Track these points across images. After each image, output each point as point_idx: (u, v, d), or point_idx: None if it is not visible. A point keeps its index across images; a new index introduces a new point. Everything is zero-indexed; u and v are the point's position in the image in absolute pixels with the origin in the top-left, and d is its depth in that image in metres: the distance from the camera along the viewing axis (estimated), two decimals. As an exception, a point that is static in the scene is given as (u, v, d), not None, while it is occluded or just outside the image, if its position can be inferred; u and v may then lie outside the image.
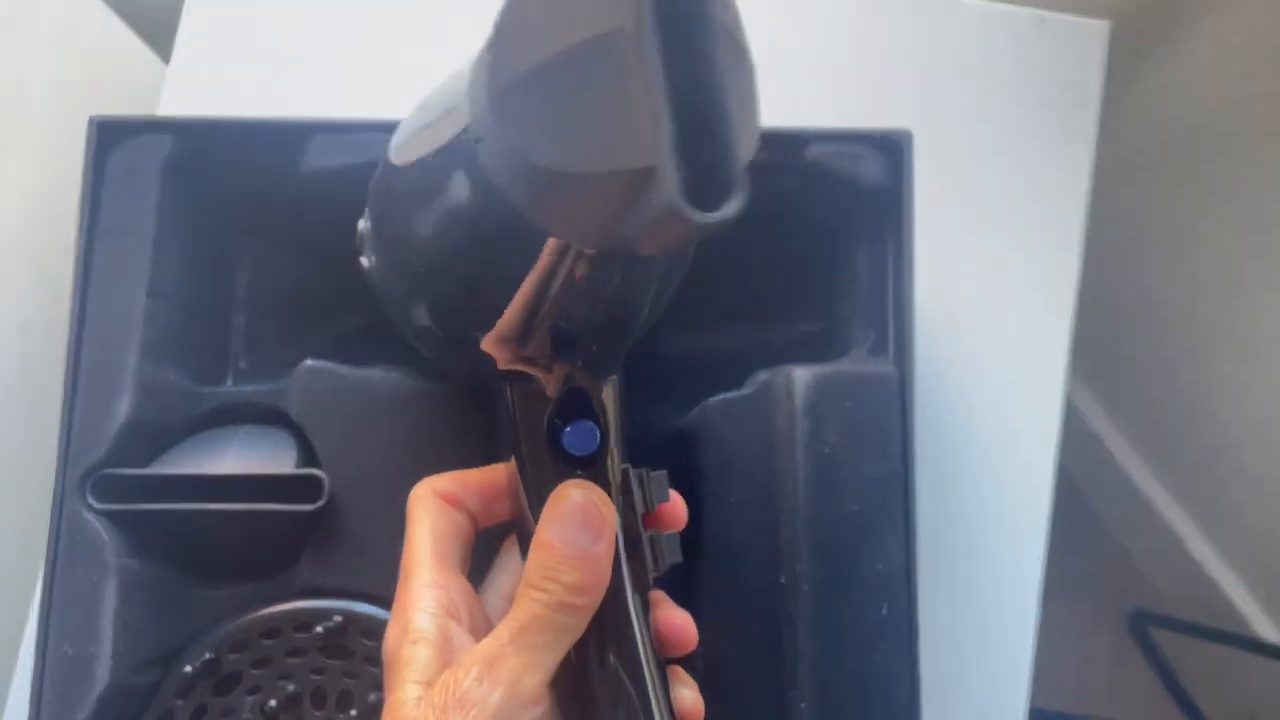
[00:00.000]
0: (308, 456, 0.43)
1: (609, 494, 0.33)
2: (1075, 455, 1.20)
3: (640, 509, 0.34)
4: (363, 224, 0.35)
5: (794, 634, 0.39)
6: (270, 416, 0.43)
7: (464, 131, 0.26)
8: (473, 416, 0.43)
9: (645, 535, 0.34)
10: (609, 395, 0.34)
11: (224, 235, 0.48)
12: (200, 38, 0.55)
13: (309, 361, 0.43)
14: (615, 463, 0.34)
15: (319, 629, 0.41)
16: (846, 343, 0.45)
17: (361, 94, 0.53)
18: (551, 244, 0.27)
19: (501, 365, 0.32)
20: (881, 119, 0.46)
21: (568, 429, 0.33)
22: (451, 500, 0.34)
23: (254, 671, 0.42)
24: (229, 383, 0.48)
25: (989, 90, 0.54)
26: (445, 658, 0.30)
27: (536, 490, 0.33)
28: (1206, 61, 0.68)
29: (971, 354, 0.51)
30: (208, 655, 0.42)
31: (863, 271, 0.45)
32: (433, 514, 0.34)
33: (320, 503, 0.41)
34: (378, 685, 0.42)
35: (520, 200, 0.24)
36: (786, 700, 0.39)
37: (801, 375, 0.40)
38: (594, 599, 0.30)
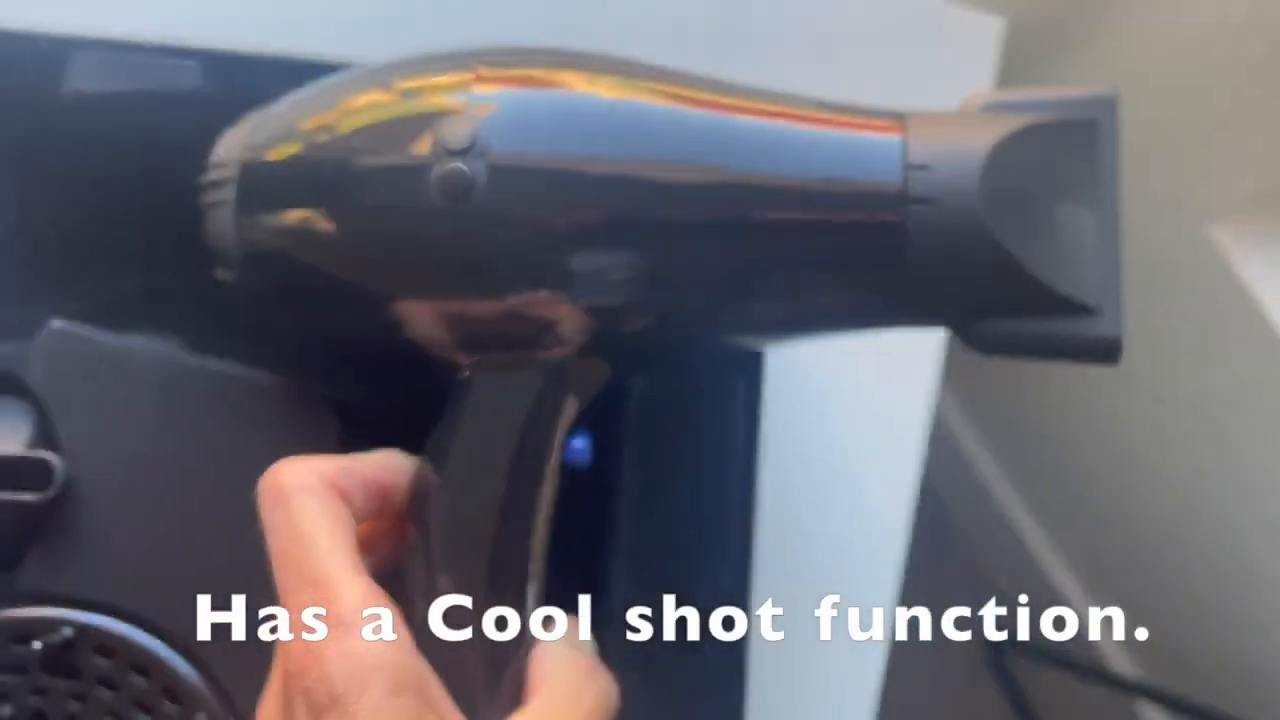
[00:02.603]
0: (46, 436, 0.36)
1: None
2: (944, 477, 1.20)
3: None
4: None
5: (610, 666, 0.34)
6: (4, 385, 0.37)
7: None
8: (255, 403, 0.37)
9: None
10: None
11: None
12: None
13: (56, 323, 0.36)
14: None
15: (39, 643, 0.34)
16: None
17: (135, 8, 0.46)
18: (886, 277, 0.28)
19: (469, 352, 0.30)
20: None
21: (578, 442, 0.32)
22: (340, 491, 0.28)
23: (-40, 691, 0.35)
24: (-36, 340, 0.40)
25: (876, 78, 0.51)
26: (429, 710, 0.25)
27: (510, 492, 0.29)
28: (1103, 69, 0.66)
29: (830, 364, 0.47)
30: (-99, 670, 0.35)
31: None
32: (329, 506, 0.27)
33: (49, 493, 0.34)
34: (112, 712, 0.35)
35: (925, 255, 0.27)
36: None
37: (639, 383, 0.36)
38: None
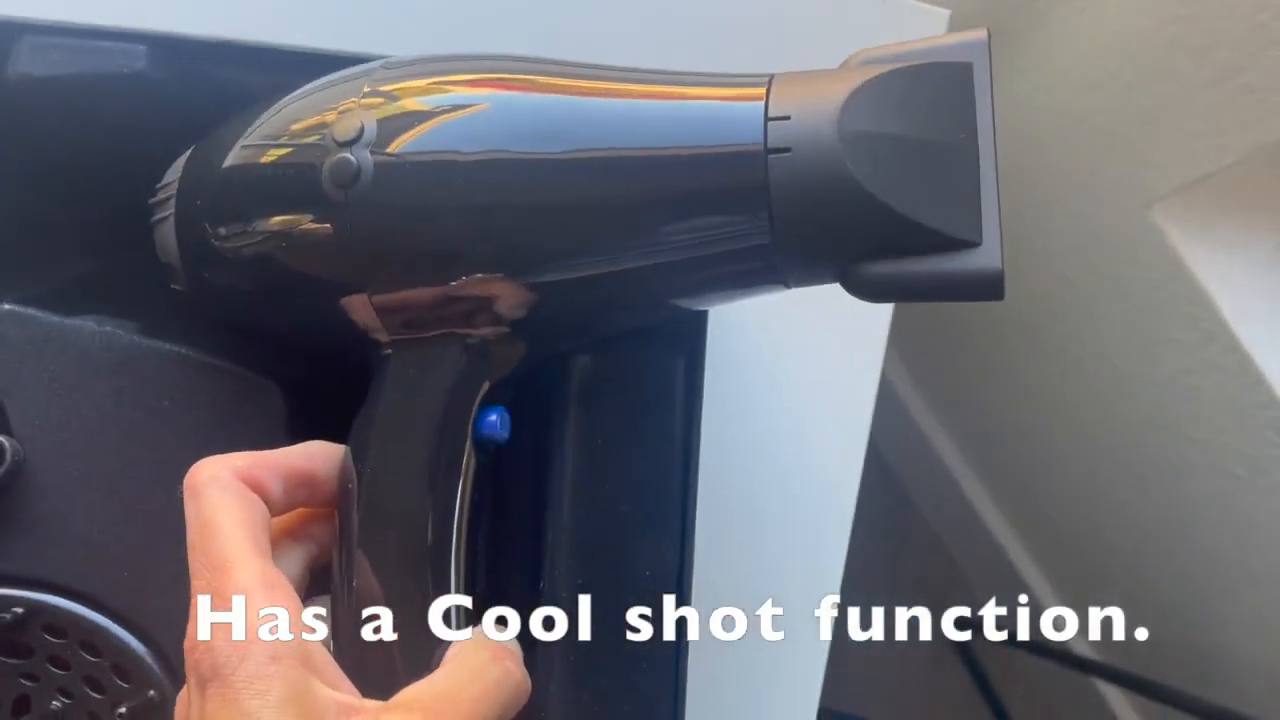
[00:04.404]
0: (-5, 418, 0.36)
1: (476, 485, 0.32)
2: (904, 461, 1.21)
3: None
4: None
5: (546, 649, 0.34)
6: (-47, 368, 0.37)
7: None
8: (203, 384, 0.37)
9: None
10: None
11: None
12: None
13: (5, 305, 0.36)
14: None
15: (-11, 622, 0.35)
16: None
17: None
18: (756, 239, 0.28)
19: (396, 332, 0.31)
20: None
21: (493, 415, 0.32)
22: (252, 484, 0.29)
23: (-90, 670, 0.35)
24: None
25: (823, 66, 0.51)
26: (311, 673, 0.26)
27: (421, 472, 0.30)
28: (1044, 71, 0.67)
29: (776, 339, 0.48)
30: None
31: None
32: (237, 498, 0.29)
33: (-2, 473, 0.34)
34: (63, 690, 0.36)
35: (789, 208, 0.27)
36: (537, 721, 0.34)
37: (579, 360, 0.36)
38: None
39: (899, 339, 0.50)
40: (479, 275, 0.30)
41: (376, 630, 0.30)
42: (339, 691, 0.27)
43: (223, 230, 0.32)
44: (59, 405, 0.36)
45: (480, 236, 0.30)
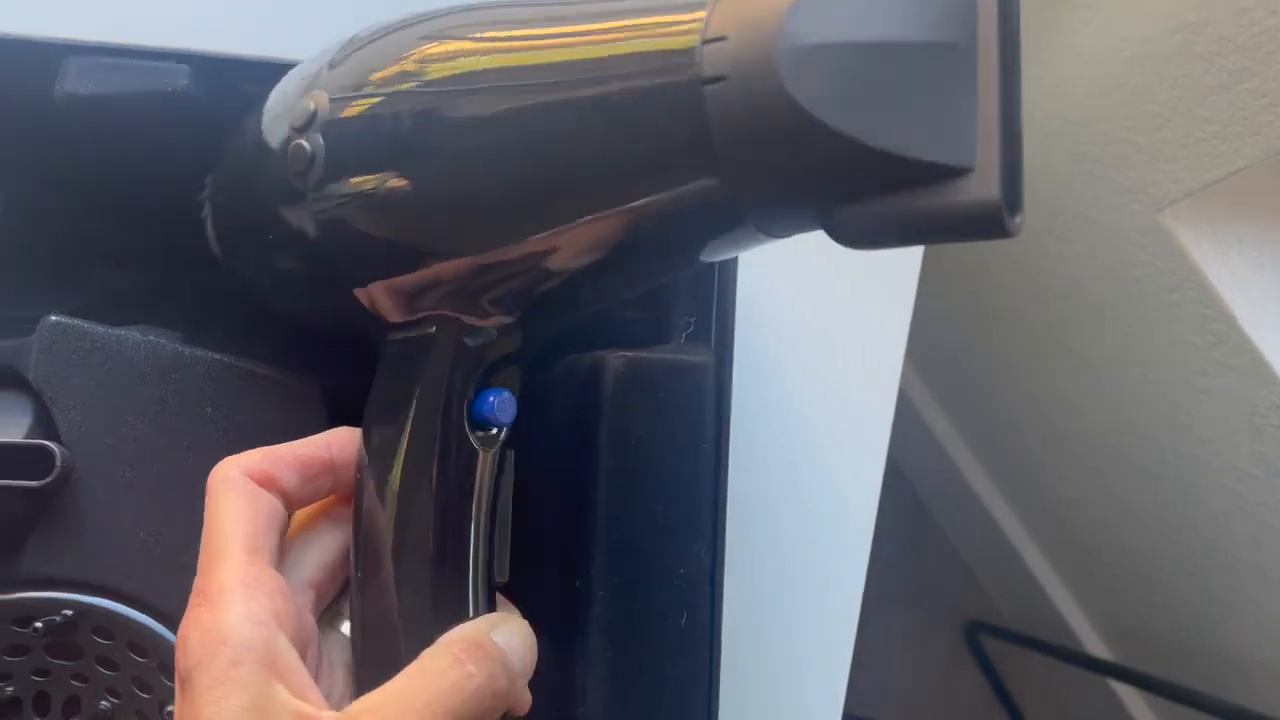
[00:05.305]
0: (45, 426, 0.37)
1: (491, 474, 0.31)
2: (919, 466, 1.21)
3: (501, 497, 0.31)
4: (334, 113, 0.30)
5: (585, 644, 0.35)
6: (3, 377, 0.38)
7: (671, 59, 0.24)
8: (245, 391, 0.38)
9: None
10: (524, 372, 0.32)
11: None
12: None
13: (53, 317, 0.37)
14: (501, 441, 0.31)
15: (40, 624, 0.36)
16: (670, 329, 0.42)
17: (126, 15, 0.47)
18: (701, 185, 0.24)
19: (393, 318, 0.30)
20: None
21: (491, 396, 0.30)
22: (263, 479, 0.30)
23: (-36, 672, 0.36)
24: (-34, 336, 0.41)
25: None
26: (273, 678, 0.26)
27: (425, 461, 0.29)
28: (1054, 77, 0.68)
29: (802, 344, 0.49)
30: (-94, 652, 0.36)
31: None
32: (241, 496, 0.29)
33: (49, 479, 0.35)
34: (111, 690, 0.37)
35: (733, 146, 0.23)
36: (575, 717, 0.35)
37: (613, 361, 0.37)
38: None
39: (912, 346, 0.51)
40: (440, 254, 0.28)
41: (384, 621, 0.29)
42: (303, 700, 0.26)
43: (234, 226, 0.33)
44: (106, 413, 0.37)
45: (428, 209, 0.28)
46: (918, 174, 0.21)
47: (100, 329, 0.37)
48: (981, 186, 0.21)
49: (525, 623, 0.30)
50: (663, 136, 0.24)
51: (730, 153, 0.23)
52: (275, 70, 0.37)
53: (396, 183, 0.28)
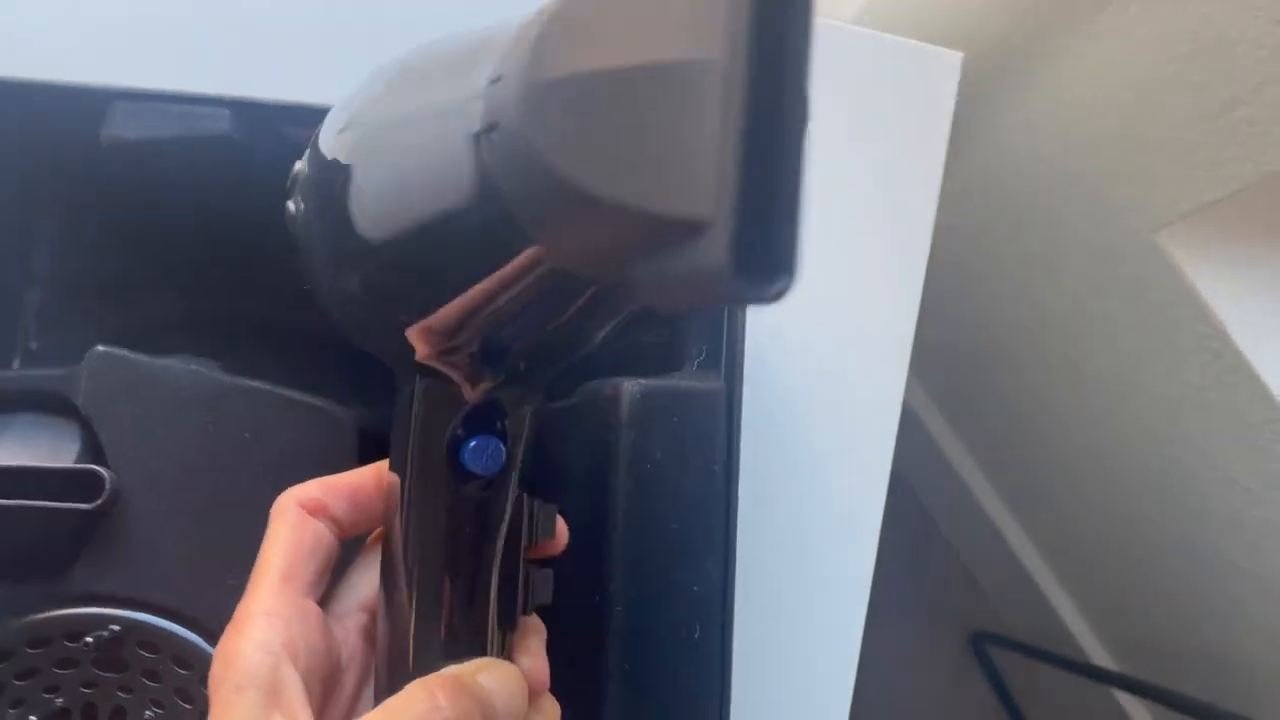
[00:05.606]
0: (93, 451, 0.39)
1: (499, 522, 0.30)
2: (925, 478, 1.23)
3: (524, 541, 0.31)
4: (300, 165, 0.30)
5: (602, 656, 0.37)
6: (54, 405, 0.40)
7: (468, 107, 0.21)
8: (284, 419, 0.40)
9: (523, 570, 0.32)
10: (523, 420, 0.31)
11: (20, 206, 0.44)
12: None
13: (100, 347, 0.40)
14: (511, 490, 0.31)
15: (90, 639, 0.38)
16: (683, 358, 0.44)
17: (169, 62, 0.49)
18: (529, 255, 0.22)
19: (420, 357, 0.28)
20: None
21: (472, 442, 0.29)
22: (315, 508, 0.31)
23: (18, 683, 0.38)
24: (16, 365, 0.44)
25: (837, 110, 0.54)
26: (271, 707, 0.27)
27: (419, 500, 0.30)
28: (1055, 102, 0.69)
29: (808, 372, 0.51)
30: (-36, 665, 0.38)
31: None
32: (288, 525, 0.30)
33: (99, 502, 0.37)
34: (155, 702, 0.39)
35: (522, 208, 0.20)
36: (594, 724, 0.37)
37: (630, 388, 0.39)
38: None
39: (916, 361, 0.52)
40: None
41: (397, 649, 0.30)
42: None
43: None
44: (151, 439, 0.39)
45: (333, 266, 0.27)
46: (659, 230, 0.17)
47: (145, 359, 0.40)
48: (714, 245, 0.16)
49: (516, 669, 0.30)
50: (456, 197, 0.21)
51: (529, 218, 0.20)
52: (312, 114, 0.39)
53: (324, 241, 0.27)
